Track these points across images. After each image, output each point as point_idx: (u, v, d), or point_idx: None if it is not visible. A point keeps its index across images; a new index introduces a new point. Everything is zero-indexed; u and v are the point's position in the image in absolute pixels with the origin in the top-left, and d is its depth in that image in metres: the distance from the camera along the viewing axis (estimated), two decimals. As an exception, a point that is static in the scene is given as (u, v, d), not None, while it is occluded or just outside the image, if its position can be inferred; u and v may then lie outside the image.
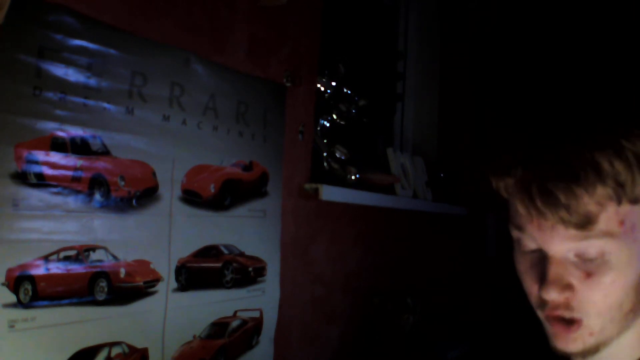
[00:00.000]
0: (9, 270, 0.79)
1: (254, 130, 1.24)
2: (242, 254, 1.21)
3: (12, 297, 0.79)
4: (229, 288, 1.17)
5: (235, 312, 1.19)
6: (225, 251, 1.16)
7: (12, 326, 0.79)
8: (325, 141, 1.58)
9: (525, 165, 0.60)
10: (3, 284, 0.78)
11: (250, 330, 1.23)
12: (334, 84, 1.62)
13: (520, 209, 0.60)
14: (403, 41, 2.33)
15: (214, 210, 1.14)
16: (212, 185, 1.13)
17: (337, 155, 1.58)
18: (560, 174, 0.56)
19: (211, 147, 1.13)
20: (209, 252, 1.13)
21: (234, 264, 1.18)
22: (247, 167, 1.22)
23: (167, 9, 1.04)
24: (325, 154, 1.56)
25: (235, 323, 1.18)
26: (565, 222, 0.57)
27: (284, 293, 1.33)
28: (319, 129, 1.61)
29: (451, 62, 2.49)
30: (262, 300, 1.26)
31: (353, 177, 1.59)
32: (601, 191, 0.56)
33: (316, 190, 1.39)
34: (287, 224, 1.35)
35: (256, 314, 1.24)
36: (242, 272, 1.20)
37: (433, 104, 2.42)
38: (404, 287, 1.89)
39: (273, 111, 1.30)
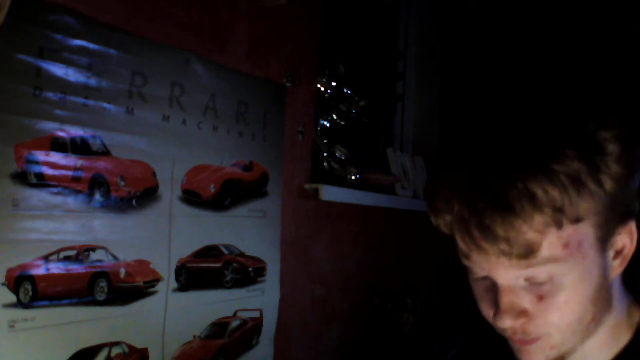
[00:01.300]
0: (9, 270, 0.79)
1: (254, 130, 1.24)
2: (242, 254, 1.21)
3: (12, 297, 0.79)
4: (229, 288, 1.17)
5: (235, 312, 1.19)
6: (225, 251, 1.16)
7: (12, 326, 0.78)
8: (325, 141, 1.58)
9: (460, 201, 0.58)
10: (3, 284, 0.78)
11: (250, 330, 1.23)
12: (334, 84, 1.62)
13: (461, 245, 0.60)
14: (403, 41, 2.33)
15: (214, 210, 1.14)
16: (212, 185, 1.13)
17: (337, 155, 1.58)
18: (496, 207, 0.55)
19: (211, 147, 1.13)
20: (209, 252, 1.13)
21: (234, 264, 1.18)
22: (247, 167, 1.22)
23: (167, 9, 1.04)
24: (325, 154, 1.56)
25: (235, 323, 1.18)
26: (506, 254, 0.56)
27: (284, 293, 1.33)
28: (319, 129, 1.61)
29: (451, 62, 2.49)
30: (262, 300, 1.26)
31: (353, 177, 1.59)
32: (539, 219, 0.54)
33: (316, 190, 1.39)
34: (287, 224, 1.35)
35: (256, 314, 1.24)
36: (242, 272, 1.20)
37: (433, 104, 2.41)
38: (404, 287, 1.89)
39: (273, 111, 1.30)
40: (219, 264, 1.15)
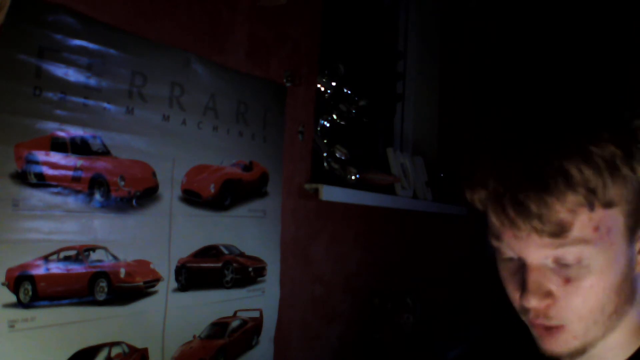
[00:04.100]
0: (9, 270, 0.79)
1: (254, 130, 1.24)
2: (242, 254, 1.21)
3: (12, 297, 0.79)
4: (229, 288, 1.17)
5: (235, 312, 1.19)
6: (225, 251, 1.16)
7: (12, 326, 0.78)
8: (325, 141, 1.58)
9: (496, 177, 0.59)
10: (3, 284, 0.78)
11: (250, 330, 1.23)
12: (334, 84, 1.62)
13: (494, 221, 0.60)
14: (403, 41, 2.33)
15: (214, 210, 1.14)
16: (212, 185, 1.13)
17: (337, 155, 1.58)
18: (530, 183, 0.56)
19: (211, 147, 1.13)
20: (209, 252, 1.13)
21: (234, 264, 1.18)
22: (247, 167, 1.22)
23: (167, 9, 1.04)
24: (325, 154, 1.56)
25: (235, 323, 1.18)
26: (538, 232, 0.57)
27: (284, 293, 1.33)
28: (319, 129, 1.61)
29: (451, 62, 2.49)
30: (262, 300, 1.26)
31: (353, 177, 1.59)
32: (572, 198, 0.55)
33: (316, 190, 1.39)
34: (287, 224, 1.35)
35: (256, 314, 1.24)
36: (242, 272, 1.20)
37: (433, 104, 2.41)
38: (404, 287, 1.89)
39: (273, 111, 1.30)
40: (219, 264, 1.15)
